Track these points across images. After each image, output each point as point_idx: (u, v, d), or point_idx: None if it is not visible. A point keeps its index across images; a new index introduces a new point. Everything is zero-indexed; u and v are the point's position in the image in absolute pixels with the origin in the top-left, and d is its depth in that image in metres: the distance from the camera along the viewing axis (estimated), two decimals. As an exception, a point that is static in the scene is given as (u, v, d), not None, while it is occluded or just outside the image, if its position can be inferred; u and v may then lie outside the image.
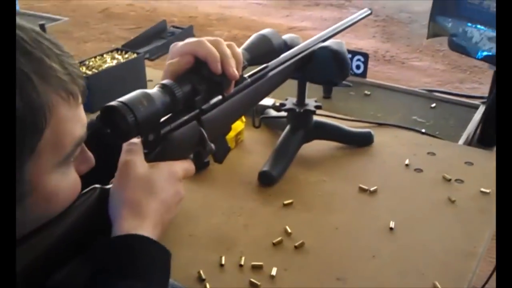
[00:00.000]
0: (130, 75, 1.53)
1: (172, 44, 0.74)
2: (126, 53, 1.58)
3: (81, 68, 1.48)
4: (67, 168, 0.57)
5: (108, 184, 0.66)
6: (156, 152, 0.68)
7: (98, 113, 0.64)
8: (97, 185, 0.64)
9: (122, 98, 0.63)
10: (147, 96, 0.64)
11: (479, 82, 3.66)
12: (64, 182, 0.57)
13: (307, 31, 4.53)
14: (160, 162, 0.66)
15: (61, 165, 0.56)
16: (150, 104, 0.64)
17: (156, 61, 1.71)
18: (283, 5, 5.35)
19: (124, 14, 5.31)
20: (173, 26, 1.74)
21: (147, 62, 1.63)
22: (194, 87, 0.70)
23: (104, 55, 1.56)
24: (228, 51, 0.71)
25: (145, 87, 1.58)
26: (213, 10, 5.26)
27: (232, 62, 0.71)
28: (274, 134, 1.31)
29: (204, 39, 0.71)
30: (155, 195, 0.62)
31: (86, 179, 0.83)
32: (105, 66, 1.49)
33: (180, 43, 0.72)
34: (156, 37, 1.72)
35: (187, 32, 1.70)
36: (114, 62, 1.52)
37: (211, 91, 0.74)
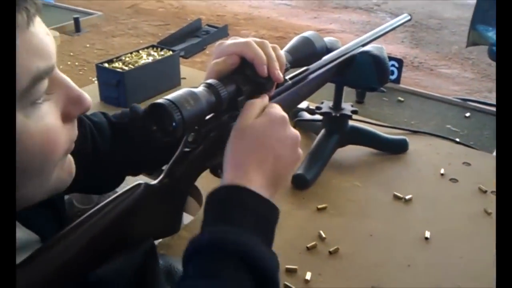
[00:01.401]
0: (165, 72, 1.55)
1: (218, 43, 0.74)
2: (161, 50, 1.59)
3: (117, 64, 1.49)
4: (34, 110, 0.49)
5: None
6: (199, 150, 0.69)
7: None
8: (141, 181, 0.65)
9: (169, 96, 0.63)
10: (194, 95, 0.64)
11: (508, 92, 3.61)
12: (31, 126, 0.49)
13: (335, 33, 4.52)
14: (272, 116, 0.66)
15: (22, 106, 0.48)
16: (196, 103, 0.64)
17: (190, 59, 1.71)
18: (312, 7, 5.35)
19: (153, 10, 5.35)
20: (208, 25, 1.74)
21: (181, 60, 1.64)
22: (238, 87, 0.70)
23: (140, 51, 1.58)
24: (273, 54, 0.71)
25: (178, 84, 1.60)
26: (242, 10, 5.28)
27: (277, 65, 0.71)
28: (308, 137, 1.30)
29: (251, 39, 0.71)
30: (257, 145, 0.63)
31: (122, 169, 0.85)
32: (141, 62, 1.51)
33: (227, 43, 0.72)
34: (191, 35, 1.73)
35: (222, 31, 1.71)
36: (150, 58, 1.53)
37: (253, 92, 0.74)
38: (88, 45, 4.29)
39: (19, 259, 0.57)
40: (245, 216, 0.58)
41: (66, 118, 0.54)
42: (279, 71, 0.71)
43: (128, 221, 0.61)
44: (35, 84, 0.48)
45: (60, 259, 0.54)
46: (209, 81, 0.68)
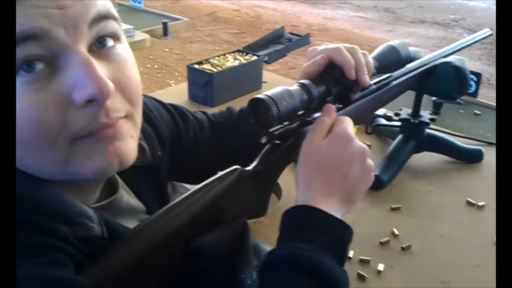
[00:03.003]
0: (249, 75, 1.65)
1: (311, 48, 0.81)
2: (247, 54, 1.70)
3: (206, 65, 1.61)
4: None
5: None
6: (288, 144, 0.76)
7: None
8: (238, 166, 0.73)
9: (268, 92, 0.71)
10: (289, 92, 0.72)
11: None
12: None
13: (410, 48, 4.50)
14: (337, 136, 0.69)
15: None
16: (291, 99, 0.71)
17: (271, 64, 1.81)
18: (387, 20, 5.35)
19: (230, 19, 5.53)
20: (291, 33, 1.84)
21: (263, 65, 1.74)
22: (328, 88, 0.77)
23: (227, 55, 1.69)
24: (363, 59, 0.77)
25: (260, 87, 1.70)
26: (316, 21, 5.35)
27: (365, 70, 0.77)
28: (383, 142, 1.36)
29: (341, 45, 0.78)
30: (323, 168, 0.67)
31: (215, 165, 0.92)
32: (228, 65, 1.62)
33: (319, 48, 0.78)
34: (274, 42, 1.83)
35: (304, 39, 1.79)
36: (236, 62, 1.64)
37: (340, 94, 0.81)
38: (167, 50, 4.50)
39: (130, 221, 0.67)
40: (318, 236, 0.62)
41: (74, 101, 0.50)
42: (367, 76, 0.77)
43: (224, 200, 0.69)
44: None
45: (166, 229, 0.62)
46: (302, 81, 0.76)
